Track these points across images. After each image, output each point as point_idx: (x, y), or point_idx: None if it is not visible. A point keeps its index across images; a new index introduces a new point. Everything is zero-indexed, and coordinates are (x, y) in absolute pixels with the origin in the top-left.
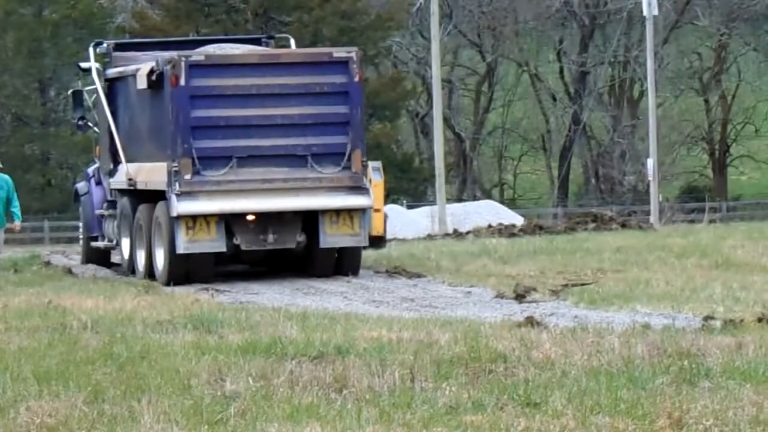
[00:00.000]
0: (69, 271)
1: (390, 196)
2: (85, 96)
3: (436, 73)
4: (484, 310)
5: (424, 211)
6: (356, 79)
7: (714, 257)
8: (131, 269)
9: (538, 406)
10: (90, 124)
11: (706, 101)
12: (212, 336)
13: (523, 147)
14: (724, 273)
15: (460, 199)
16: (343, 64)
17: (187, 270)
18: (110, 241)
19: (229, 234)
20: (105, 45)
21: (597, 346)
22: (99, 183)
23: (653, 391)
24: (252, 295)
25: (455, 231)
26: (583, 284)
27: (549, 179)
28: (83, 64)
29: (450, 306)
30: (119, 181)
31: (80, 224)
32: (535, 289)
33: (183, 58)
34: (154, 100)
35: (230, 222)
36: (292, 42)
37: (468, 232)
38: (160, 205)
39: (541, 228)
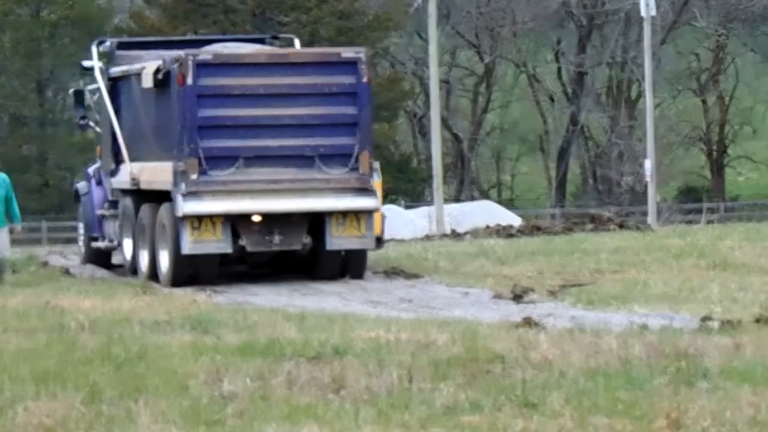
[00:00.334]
0: (67, 272)
1: (388, 197)
2: (87, 95)
3: (433, 73)
4: (482, 311)
5: (421, 211)
6: (364, 79)
7: (712, 258)
8: (133, 270)
9: (536, 407)
10: (92, 123)
11: (704, 102)
12: (210, 337)
13: (521, 147)
14: (721, 274)
15: (457, 200)
16: (351, 65)
17: (191, 271)
18: (111, 241)
19: (235, 235)
20: (108, 43)
21: (595, 347)
22: (100, 183)
23: (651, 391)
24: (250, 295)
25: (453, 231)
26: (580, 285)
27: (547, 180)
28: (86, 63)
29: (448, 306)
30: (121, 180)
31: (80, 224)
32: (532, 290)
33: (191, 57)
34: (159, 99)
35: (236, 223)
36: (297, 42)
37: (466, 233)
38: (165, 205)
39: (538, 228)
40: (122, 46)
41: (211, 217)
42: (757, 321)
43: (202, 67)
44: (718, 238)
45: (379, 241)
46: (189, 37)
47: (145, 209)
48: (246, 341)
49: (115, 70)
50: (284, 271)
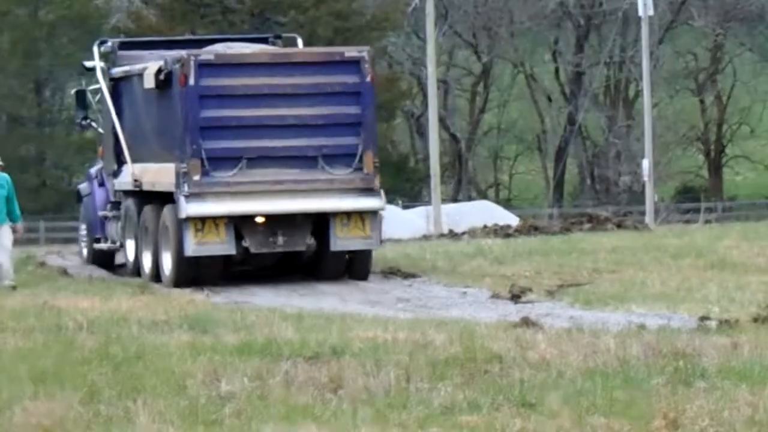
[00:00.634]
0: (64, 272)
1: (385, 197)
2: (89, 96)
3: (431, 73)
4: (480, 311)
5: (419, 211)
6: (368, 79)
7: (709, 258)
8: (137, 272)
9: (534, 407)
10: (93, 124)
11: (702, 102)
12: (208, 336)
13: (519, 147)
14: (719, 273)
15: (455, 200)
16: (355, 64)
17: (194, 273)
18: (114, 242)
19: (238, 237)
20: (109, 44)
21: (592, 347)
22: (102, 184)
23: (649, 391)
24: (248, 295)
25: (450, 231)
26: (578, 285)
27: (544, 180)
28: (87, 63)
29: (445, 306)
30: (124, 182)
31: (82, 226)
32: (530, 290)
33: (193, 57)
34: (162, 99)
35: (239, 224)
36: (300, 41)
37: (463, 233)
38: (168, 206)
39: (536, 228)
40: (124, 46)
41: (215, 219)
42: (755, 320)
43: (204, 67)
44: (716, 238)
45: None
46: (191, 37)
47: (148, 211)
48: (244, 341)
49: (117, 71)
50: (287, 273)
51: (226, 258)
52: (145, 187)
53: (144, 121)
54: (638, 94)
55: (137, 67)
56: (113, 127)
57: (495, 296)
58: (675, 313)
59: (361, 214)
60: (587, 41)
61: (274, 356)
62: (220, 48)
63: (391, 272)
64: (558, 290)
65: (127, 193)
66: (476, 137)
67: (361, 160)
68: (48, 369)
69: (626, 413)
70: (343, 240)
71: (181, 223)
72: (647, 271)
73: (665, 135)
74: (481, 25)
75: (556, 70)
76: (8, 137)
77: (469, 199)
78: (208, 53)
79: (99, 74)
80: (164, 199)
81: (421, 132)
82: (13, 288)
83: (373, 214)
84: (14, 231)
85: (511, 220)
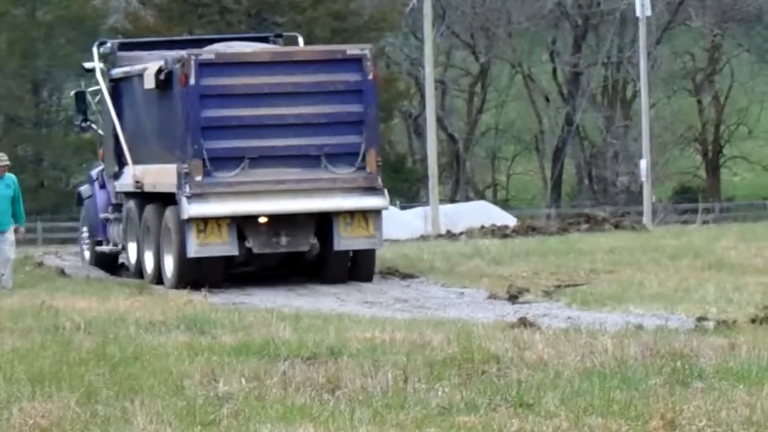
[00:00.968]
0: (62, 272)
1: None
2: (88, 97)
3: (429, 73)
4: (477, 311)
5: (417, 211)
6: (370, 77)
7: (707, 258)
8: (139, 274)
9: (531, 407)
10: (93, 126)
11: (699, 102)
12: (205, 337)
13: (516, 148)
14: (717, 274)
15: (453, 200)
16: (356, 62)
17: (197, 275)
18: (115, 245)
19: (241, 237)
20: (109, 44)
21: (590, 347)
22: (103, 186)
23: (646, 391)
24: (245, 296)
25: (448, 232)
26: (575, 285)
27: (542, 180)
28: (87, 64)
29: (443, 307)
30: (125, 183)
31: (83, 228)
32: (528, 290)
33: (193, 57)
34: (162, 100)
35: (242, 225)
36: (300, 40)
37: (461, 233)
38: (170, 208)
39: (534, 229)
40: (124, 47)
41: (217, 219)
42: (753, 321)
43: (204, 66)
44: (714, 239)
45: None
46: (191, 37)
47: (150, 212)
48: (241, 341)
49: (117, 72)
50: (289, 274)
51: (229, 259)
52: (147, 189)
53: (145, 122)
54: (636, 94)
55: (137, 67)
56: (113, 129)
57: (492, 297)
58: (672, 314)
59: (364, 214)
60: (585, 41)
61: (272, 357)
62: (220, 47)
63: (389, 273)
64: (555, 291)
65: (129, 195)
66: (474, 138)
67: (364, 158)
68: (45, 369)
69: (623, 413)
70: (346, 239)
71: (183, 224)
72: (645, 271)
73: (663, 135)
74: (478, 26)
75: (554, 71)
76: (6, 138)
77: (467, 199)
78: (209, 53)
79: (99, 75)
80: (166, 200)
81: (419, 132)
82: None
83: (377, 213)
84: (15, 231)
85: (509, 220)
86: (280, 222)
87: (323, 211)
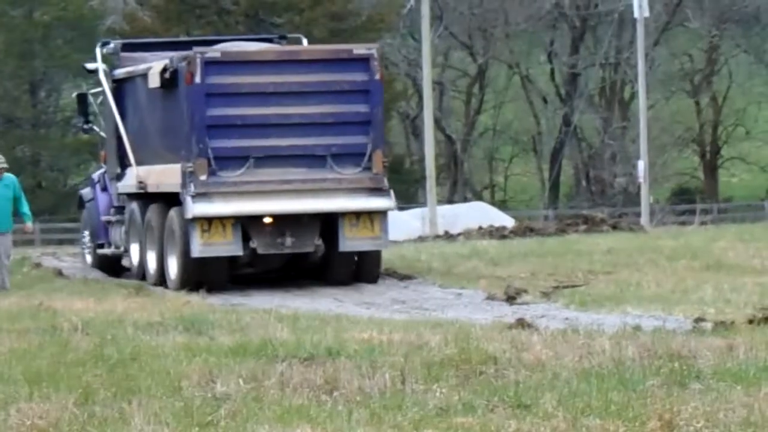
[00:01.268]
0: (60, 273)
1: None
2: (90, 99)
3: (426, 74)
4: (475, 312)
5: (414, 212)
6: (377, 76)
7: (705, 259)
8: (141, 276)
9: (529, 408)
10: (95, 128)
11: (697, 103)
12: (203, 338)
13: (514, 149)
14: (715, 275)
15: (450, 201)
16: (363, 62)
17: (201, 276)
18: (117, 247)
19: (246, 237)
20: (112, 45)
21: (588, 348)
22: (105, 189)
23: (644, 392)
24: (243, 296)
25: (446, 233)
26: (573, 286)
27: (540, 181)
28: (89, 65)
29: (441, 308)
30: (128, 185)
31: (85, 232)
32: (525, 291)
33: (199, 55)
34: (167, 99)
35: (246, 225)
36: (305, 41)
37: (459, 234)
38: (174, 208)
39: (531, 230)
40: (127, 47)
41: (221, 219)
42: (750, 322)
43: (210, 65)
44: (712, 240)
45: None
46: (195, 38)
47: (153, 213)
48: (239, 342)
49: (120, 72)
50: (293, 276)
51: (233, 260)
52: (150, 189)
53: (149, 122)
54: (634, 95)
55: (141, 67)
56: (116, 130)
57: (490, 297)
58: (670, 315)
59: (370, 215)
60: (582, 42)
61: (270, 357)
62: (226, 46)
63: (387, 273)
64: (553, 291)
65: (131, 197)
66: (471, 139)
67: (370, 159)
68: (43, 370)
69: (621, 415)
70: (351, 241)
71: (188, 224)
72: (642, 272)
73: (661, 136)
74: (476, 27)
75: (552, 72)
76: (3, 139)
77: (465, 200)
78: (215, 51)
79: (102, 76)
80: (169, 201)
81: (417, 133)
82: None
83: (383, 214)
84: (24, 230)
85: (507, 221)
86: (285, 222)
87: (329, 211)
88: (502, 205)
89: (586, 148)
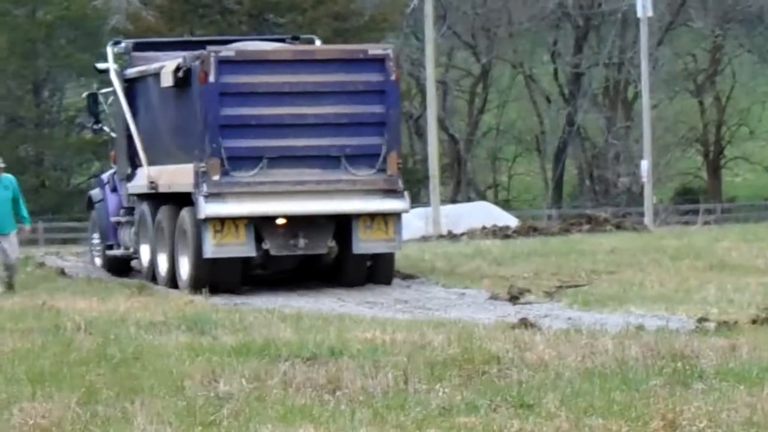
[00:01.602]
0: (63, 273)
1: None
2: (101, 99)
3: (430, 74)
4: (478, 312)
5: (418, 212)
6: (393, 77)
7: (708, 259)
8: (152, 277)
9: (532, 408)
10: (105, 128)
11: (701, 103)
12: (206, 337)
13: (518, 148)
14: (718, 275)
15: (454, 201)
16: (379, 62)
17: (213, 277)
18: (127, 248)
19: (258, 238)
20: (123, 44)
21: (591, 348)
22: (114, 190)
23: (647, 392)
24: (246, 296)
25: (449, 232)
26: (577, 286)
27: (543, 181)
28: (100, 65)
29: (444, 307)
30: (139, 185)
31: (94, 234)
32: (529, 291)
33: (213, 54)
34: (180, 98)
35: (259, 225)
36: (318, 42)
37: (462, 234)
38: (186, 208)
39: (535, 229)
40: (138, 47)
41: (234, 220)
42: (753, 322)
43: (224, 64)
44: (715, 239)
45: None
46: (209, 37)
47: (164, 214)
48: (242, 342)
49: (132, 71)
50: (306, 278)
51: (245, 261)
52: (162, 189)
53: (161, 122)
54: (637, 95)
55: (153, 66)
56: (127, 130)
57: (493, 297)
58: (673, 315)
59: (384, 216)
60: (586, 42)
61: (273, 357)
62: (240, 45)
63: None
64: (556, 291)
65: (142, 197)
66: (475, 138)
67: (384, 160)
68: (46, 369)
69: (624, 414)
70: (365, 243)
71: (200, 224)
72: (646, 272)
73: (664, 136)
74: (479, 26)
75: (555, 71)
76: (7, 138)
77: (468, 200)
78: (229, 50)
79: (113, 76)
80: (181, 201)
81: (420, 133)
82: None
83: (397, 216)
84: (19, 231)
85: (510, 221)
86: (298, 223)
87: (343, 213)
88: (505, 205)
89: (590, 147)
